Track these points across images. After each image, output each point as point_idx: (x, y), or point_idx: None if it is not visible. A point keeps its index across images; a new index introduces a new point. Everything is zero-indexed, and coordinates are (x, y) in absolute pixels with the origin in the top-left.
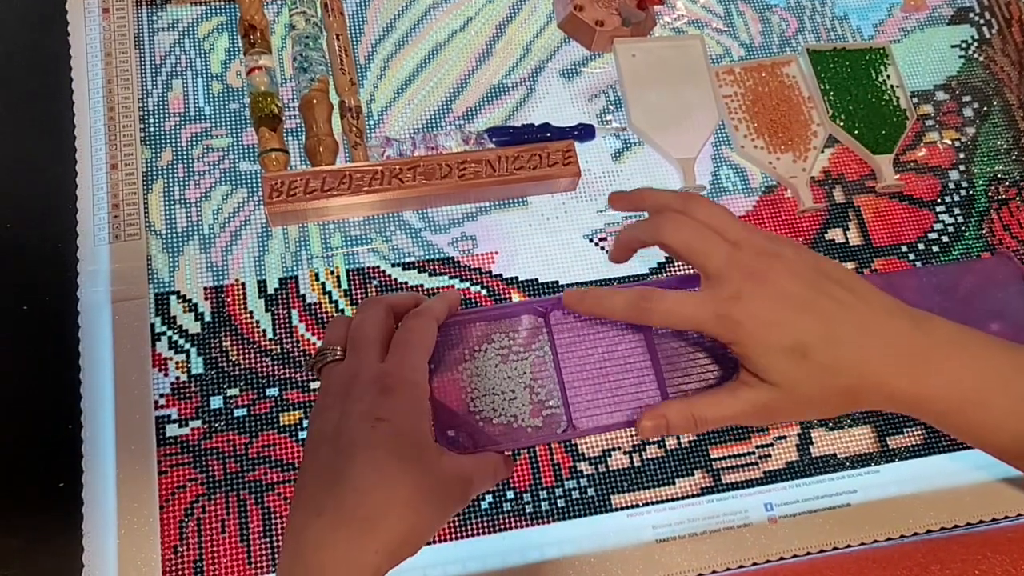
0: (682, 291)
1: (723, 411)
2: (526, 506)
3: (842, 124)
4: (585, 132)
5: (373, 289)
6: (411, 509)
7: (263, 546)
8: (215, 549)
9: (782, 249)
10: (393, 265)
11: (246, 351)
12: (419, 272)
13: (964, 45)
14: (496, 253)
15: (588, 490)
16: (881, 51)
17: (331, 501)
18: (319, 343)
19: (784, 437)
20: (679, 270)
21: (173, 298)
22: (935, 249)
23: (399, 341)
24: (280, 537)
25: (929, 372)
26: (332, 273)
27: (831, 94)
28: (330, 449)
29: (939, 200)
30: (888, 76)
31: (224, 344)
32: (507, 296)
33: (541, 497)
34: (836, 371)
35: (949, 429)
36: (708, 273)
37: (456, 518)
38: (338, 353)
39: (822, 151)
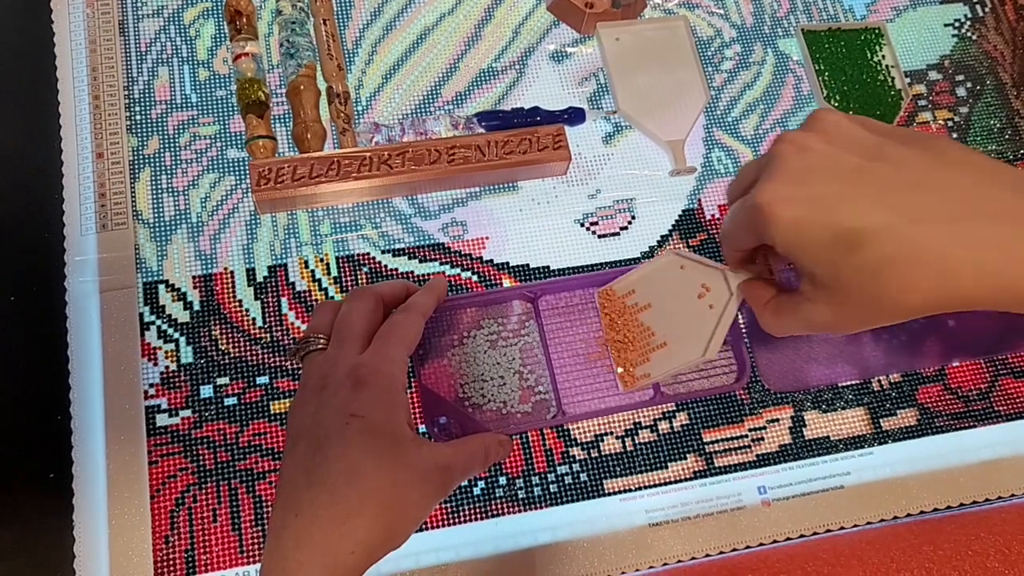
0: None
1: (788, 327)
2: (519, 492)
3: (837, 104)
4: (575, 116)
5: (363, 276)
6: (387, 507)
7: (254, 535)
8: (206, 538)
9: (826, 117)
10: (383, 252)
11: (236, 340)
12: (409, 258)
13: (957, 24)
14: (487, 238)
15: (581, 475)
16: (876, 31)
17: (307, 501)
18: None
19: (777, 420)
20: None
21: (162, 287)
22: None
23: (380, 334)
24: None
25: None
26: (321, 260)
27: (826, 74)
28: (306, 445)
29: None
30: (883, 56)
31: (213, 333)
32: (498, 282)
33: (534, 483)
34: (907, 263)
35: None
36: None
37: (449, 504)
38: (321, 342)
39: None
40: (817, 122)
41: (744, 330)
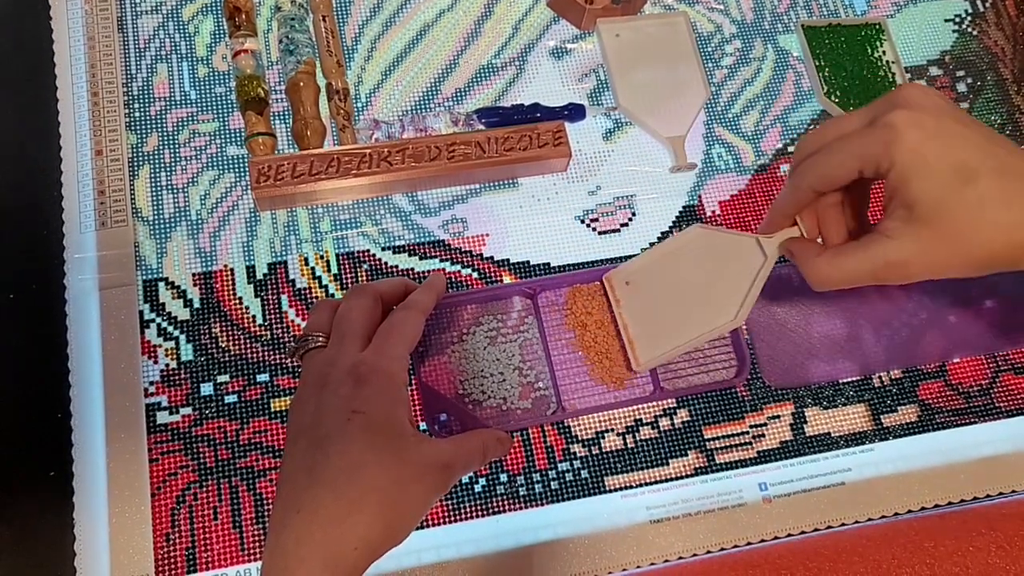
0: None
1: (849, 272)
2: (520, 489)
3: (837, 100)
4: (575, 112)
5: (363, 273)
6: (388, 504)
7: (255, 532)
8: (207, 536)
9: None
10: (383, 249)
11: (236, 337)
12: (409, 255)
13: (958, 19)
14: (487, 235)
15: (582, 472)
16: (877, 26)
17: (308, 498)
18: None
19: (778, 417)
20: None
21: (161, 285)
22: None
23: (381, 332)
24: None
25: None
26: (321, 258)
27: (826, 70)
28: (307, 442)
29: None
30: (884, 52)
31: (214, 330)
32: (498, 278)
33: (535, 480)
34: (1006, 205)
35: None
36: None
37: (450, 502)
38: (320, 340)
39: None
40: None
41: (744, 326)
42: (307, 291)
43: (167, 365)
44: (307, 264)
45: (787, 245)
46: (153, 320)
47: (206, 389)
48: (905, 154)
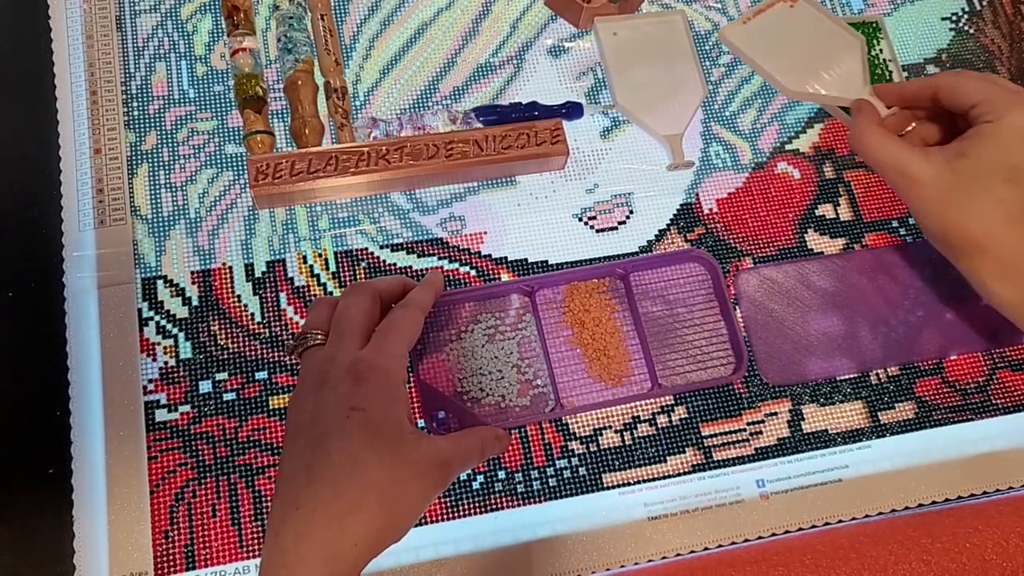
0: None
1: (879, 152)
2: (518, 486)
3: None
4: (573, 110)
5: (362, 271)
6: (387, 501)
7: (254, 530)
8: (206, 533)
9: None
10: (381, 247)
11: (234, 335)
12: (407, 253)
13: (955, 18)
14: (485, 233)
15: (580, 469)
16: (874, 25)
17: (307, 495)
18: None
19: (775, 414)
20: (672, 248)
21: (160, 283)
22: None
23: (380, 330)
24: None
25: None
26: (320, 255)
27: None
28: (306, 439)
29: None
30: (880, 50)
31: (212, 328)
32: (496, 276)
33: (533, 477)
34: (1012, 221)
35: None
36: None
37: (448, 499)
38: (318, 338)
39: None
40: None
41: (742, 323)
42: (306, 289)
43: (166, 363)
44: (305, 262)
45: (863, 102)
46: (152, 318)
47: (205, 387)
48: (1002, 122)
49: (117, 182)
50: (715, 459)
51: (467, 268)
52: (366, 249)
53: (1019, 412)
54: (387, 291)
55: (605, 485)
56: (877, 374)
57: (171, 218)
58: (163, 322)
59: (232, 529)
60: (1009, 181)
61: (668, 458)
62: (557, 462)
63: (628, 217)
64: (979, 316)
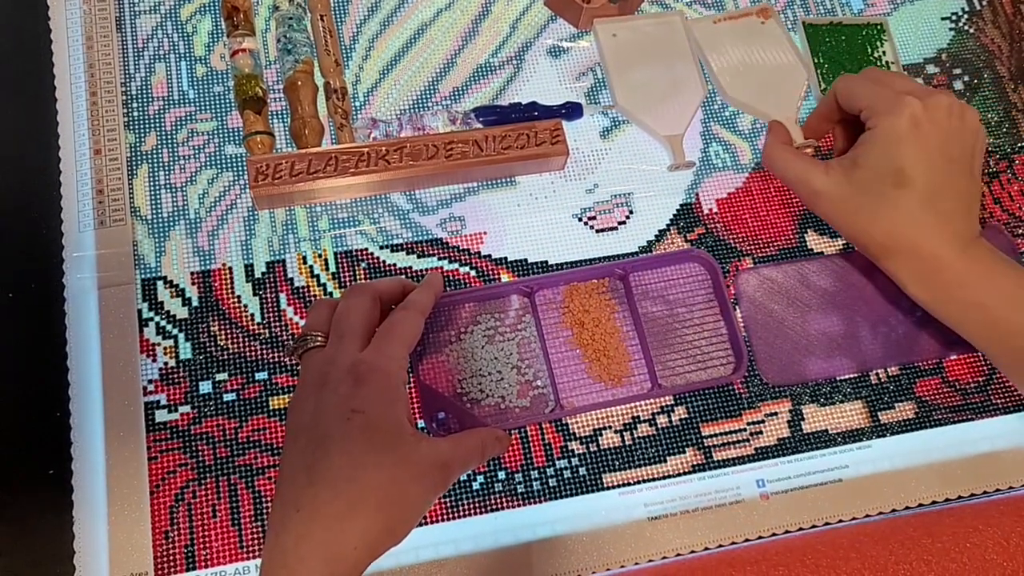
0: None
1: (784, 164)
2: (518, 486)
3: None
4: (573, 111)
5: (361, 271)
6: (388, 503)
7: (254, 530)
8: (206, 534)
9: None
10: (381, 247)
11: (234, 335)
12: (407, 254)
13: (954, 17)
14: (484, 233)
15: (580, 469)
16: (878, 27)
17: (308, 496)
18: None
19: (775, 414)
20: (672, 249)
21: (160, 283)
22: None
23: (380, 332)
24: None
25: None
26: (320, 256)
27: (824, 67)
28: (307, 440)
29: None
30: (884, 52)
31: (212, 329)
32: (496, 276)
33: (533, 477)
34: (908, 222)
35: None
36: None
37: (448, 499)
38: (319, 339)
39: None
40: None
41: (742, 323)
42: (305, 289)
43: (166, 363)
44: (305, 262)
45: (774, 124)
46: (152, 319)
47: (205, 387)
48: (880, 127)
49: (117, 183)
50: (715, 459)
51: (467, 268)
52: (366, 250)
53: (1019, 412)
54: (387, 292)
55: (605, 485)
56: (877, 374)
57: (171, 219)
58: (163, 323)
59: (232, 529)
60: (898, 185)
61: (668, 458)
62: (557, 462)
63: (628, 217)
64: None
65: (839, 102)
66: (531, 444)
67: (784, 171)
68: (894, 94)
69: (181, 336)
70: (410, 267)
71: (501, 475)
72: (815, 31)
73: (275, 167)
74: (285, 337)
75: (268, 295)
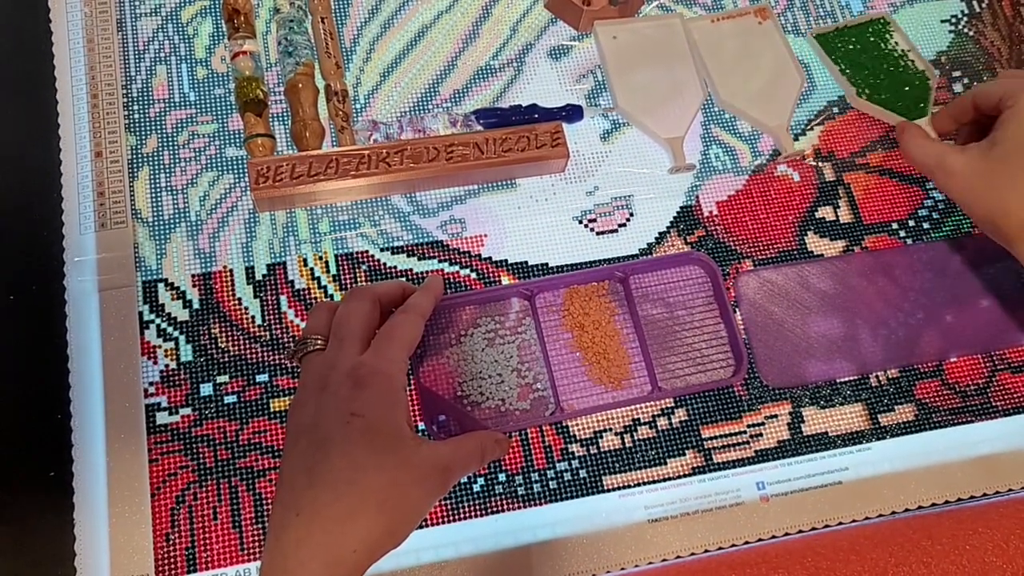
0: None
1: (919, 149)
2: (518, 488)
3: (868, 97)
4: (573, 113)
5: (362, 274)
6: (388, 506)
7: (255, 532)
8: (207, 536)
9: None
10: (382, 250)
11: (235, 338)
12: (408, 256)
13: (954, 20)
14: (485, 236)
15: (580, 471)
16: (882, 20)
17: (308, 500)
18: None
19: (775, 416)
20: (672, 251)
21: (161, 286)
22: (925, 226)
23: (380, 335)
24: None
25: None
26: (320, 258)
27: (848, 71)
28: (307, 443)
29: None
30: (896, 43)
31: (213, 331)
32: (496, 279)
33: (533, 479)
34: None
35: None
36: None
37: (449, 501)
38: (319, 343)
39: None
40: None
41: (742, 325)
42: (306, 292)
43: (167, 366)
44: (306, 265)
45: (906, 125)
46: (153, 321)
47: (206, 389)
48: (1020, 104)
49: (118, 185)
50: (715, 461)
51: (467, 271)
52: (366, 252)
53: (1019, 414)
54: (387, 296)
55: (605, 487)
56: (877, 376)
57: (172, 221)
58: (164, 325)
59: (233, 532)
60: None
61: (668, 460)
62: (557, 464)
63: (628, 220)
64: (979, 318)
65: (976, 102)
66: (531, 446)
67: (921, 154)
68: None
69: (182, 338)
70: (411, 269)
71: (502, 477)
72: (826, 39)
73: (276, 169)
74: (286, 339)
75: (269, 297)
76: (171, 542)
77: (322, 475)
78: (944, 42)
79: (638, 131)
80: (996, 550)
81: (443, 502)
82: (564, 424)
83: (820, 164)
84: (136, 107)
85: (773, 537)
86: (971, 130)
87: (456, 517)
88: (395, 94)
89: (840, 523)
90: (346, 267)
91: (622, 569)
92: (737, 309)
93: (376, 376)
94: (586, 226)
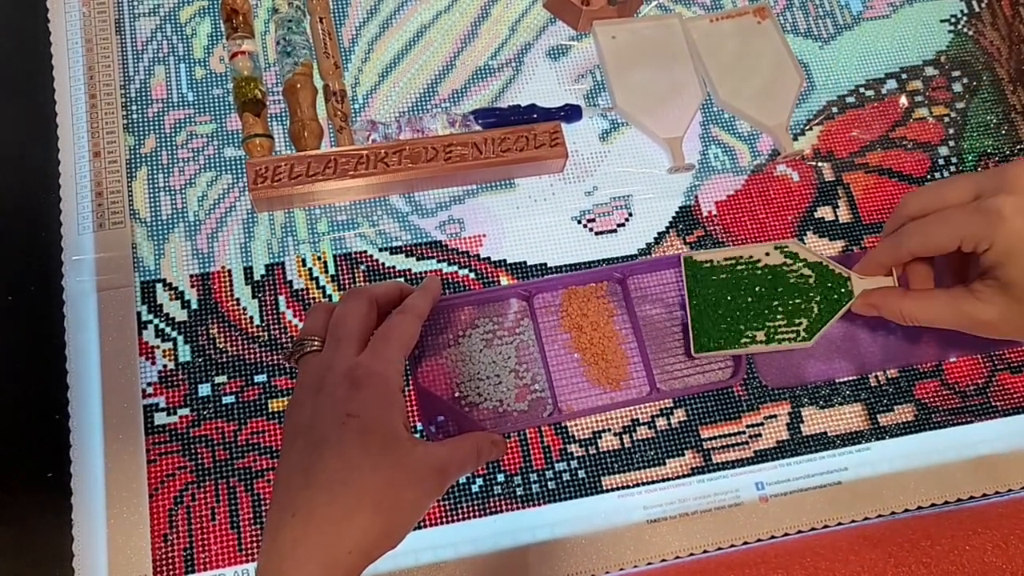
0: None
1: (935, 316)
2: (517, 489)
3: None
4: (572, 113)
5: (361, 274)
6: (383, 508)
7: (253, 533)
8: (205, 537)
9: None
10: (380, 250)
11: (233, 338)
12: (406, 256)
13: (953, 19)
14: (484, 236)
15: (579, 472)
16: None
17: (304, 501)
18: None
19: (775, 416)
20: (667, 252)
21: (159, 286)
22: None
23: (377, 336)
24: None
25: None
26: (319, 259)
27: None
28: (304, 444)
29: (928, 176)
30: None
31: (211, 331)
32: (495, 279)
33: (532, 480)
34: None
35: None
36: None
37: (447, 502)
38: (315, 344)
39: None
40: None
41: None
42: (304, 292)
43: (165, 366)
44: (304, 265)
45: (872, 293)
46: (151, 321)
47: (204, 390)
48: (1009, 237)
49: (116, 185)
50: (714, 462)
51: (466, 271)
52: (365, 252)
53: (1018, 414)
54: (384, 296)
55: (604, 488)
56: (876, 376)
57: (170, 221)
58: (162, 325)
59: (231, 532)
60: None
61: (667, 461)
62: (556, 465)
63: (627, 219)
64: None
65: (916, 251)
66: (530, 447)
67: (934, 318)
68: (974, 209)
69: (180, 339)
70: (409, 269)
71: (500, 478)
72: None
73: (274, 170)
74: (284, 340)
75: (267, 298)
76: (169, 542)
77: (318, 476)
78: (943, 42)
79: (637, 131)
80: (995, 550)
81: (441, 503)
82: (563, 424)
83: (819, 164)
84: (134, 107)
85: (772, 537)
86: (926, 267)
87: (455, 518)
88: (394, 94)
89: (839, 523)
90: (344, 267)
91: (621, 569)
92: None
93: (372, 377)
94: (585, 226)
